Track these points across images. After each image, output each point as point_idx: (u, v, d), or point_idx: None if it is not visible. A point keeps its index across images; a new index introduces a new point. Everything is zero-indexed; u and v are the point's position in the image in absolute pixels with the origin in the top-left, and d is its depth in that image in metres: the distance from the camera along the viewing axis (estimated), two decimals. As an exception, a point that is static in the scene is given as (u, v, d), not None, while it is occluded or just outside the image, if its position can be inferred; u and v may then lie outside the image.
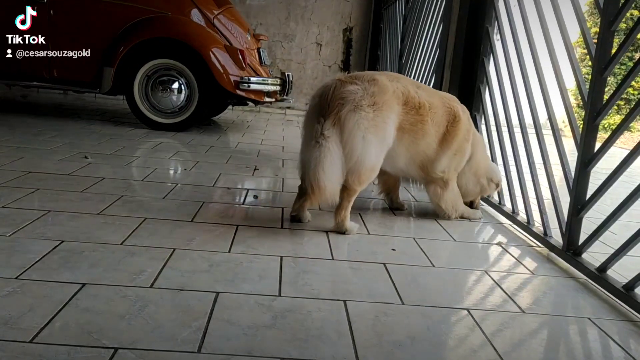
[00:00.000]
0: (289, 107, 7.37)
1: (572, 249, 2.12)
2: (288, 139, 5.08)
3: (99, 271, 1.64)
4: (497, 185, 2.80)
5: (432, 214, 2.70)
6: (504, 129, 2.93)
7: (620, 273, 1.93)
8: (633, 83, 11.05)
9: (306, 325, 1.42)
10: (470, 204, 2.81)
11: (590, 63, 2.06)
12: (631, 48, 10.46)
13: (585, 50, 2.12)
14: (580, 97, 2.11)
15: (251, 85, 4.72)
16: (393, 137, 2.29)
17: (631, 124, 8.06)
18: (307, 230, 2.27)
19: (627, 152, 1.83)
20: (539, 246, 2.36)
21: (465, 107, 2.62)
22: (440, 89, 3.67)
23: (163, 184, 2.86)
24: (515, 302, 1.71)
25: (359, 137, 2.13)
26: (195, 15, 4.81)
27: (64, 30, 4.69)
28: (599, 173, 2.18)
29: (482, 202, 3.06)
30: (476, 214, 2.73)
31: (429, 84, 4.10)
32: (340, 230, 2.25)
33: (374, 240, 2.24)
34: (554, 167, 2.38)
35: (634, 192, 1.76)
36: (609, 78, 2.05)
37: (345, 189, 2.23)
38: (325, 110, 2.19)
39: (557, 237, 2.27)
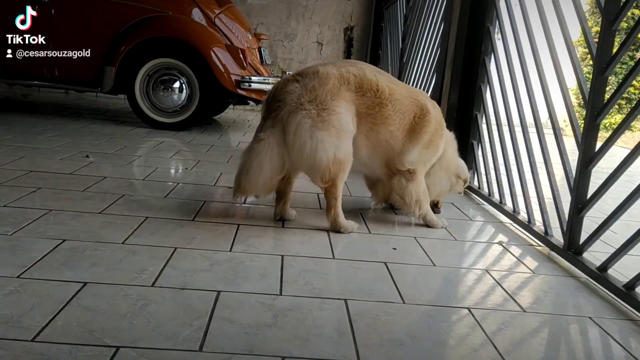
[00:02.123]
0: (289, 107, 7.36)
1: (573, 248, 2.12)
2: (289, 138, 5.07)
3: (101, 270, 1.64)
4: (465, 181, 2.70)
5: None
6: (505, 128, 2.93)
7: (621, 272, 1.93)
8: (634, 82, 11.03)
9: (307, 324, 1.42)
10: (435, 205, 2.69)
11: (591, 62, 2.06)
12: (632, 47, 10.44)
13: (586, 50, 2.13)
14: (581, 96, 2.11)
15: (252, 84, 4.72)
16: (352, 123, 2.20)
17: (632, 123, 8.05)
18: (308, 230, 2.27)
19: (628, 152, 1.83)
20: (540, 245, 2.36)
21: (436, 103, 2.52)
22: (442, 88, 3.67)
23: (164, 183, 2.86)
24: (516, 301, 1.71)
25: (305, 137, 2.08)
26: (196, 15, 4.81)
27: (65, 30, 4.69)
28: (599, 172, 2.18)
29: (482, 200, 3.07)
30: (439, 222, 2.49)
31: (430, 83, 4.10)
32: (336, 229, 2.24)
33: (374, 239, 2.24)
34: (555, 166, 2.38)
35: (635, 191, 1.76)
36: (610, 77, 2.05)
37: (325, 189, 2.21)
38: (266, 112, 2.22)
39: (558, 236, 2.27)
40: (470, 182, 2.78)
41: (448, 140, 2.57)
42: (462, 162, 2.74)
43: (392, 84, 2.35)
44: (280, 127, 2.13)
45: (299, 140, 2.09)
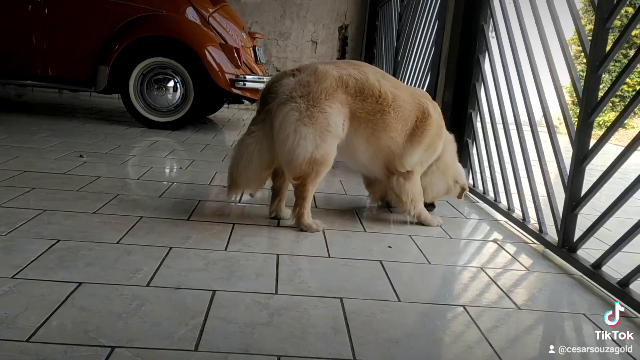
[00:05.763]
0: (284, 105, 7.34)
1: (567, 246, 2.13)
2: (284, 137, 5.07)
3: (95, 270, 1.63)
4: (462, 188, 2.66)
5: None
6: (500, 127, 2.93)
7: (615, 269, 1.94)
8: (627, 80, 11.08)
9: (303, 322, 1.42)
10: (432, 206, 2.69)
11: (584, 60, 2.06)
12: (625, 45, 10.49)
13: (580, 48, 2.13)
14: (575, 94, 2.12)
15: (247, 83, 4.71)
16: (342, 125, 2.18)
17: (626, 121, 8.08)
18: (303, 228, 2.27)
19: (621, 149, 1.84)
20: (535, 243, 2.37)
21: (436, 104, 2.50)
22: (436, 87, 3.68)
23: (159, 182, 2.85)
24: (510, 299, 1.72)
25: (289, 130, 2.07)
26: (191, 13, 4.79)
27: (59, 29, 4.67)
28: (593, 170, 2.19)
29: (477, 199, 3.08)
30: (434, 220, 2.49)
31: (424, 82, 4.10)
32: (299, 227, 2.22)
33: (370, 237, 2.24)
34: (549, 164, 2.39)
35: (629, 188, 1.77)
36: (603, 75, 2.06)
37: (294, 185, 2.20)
38: (261, 105, 2.23)
39: (552, 234, 2.28)
40: (467, 189, 2.73)
41: (447, 143, 2.55)
42: (461, 169, 2.71)
43: (396, 89, 2.31)
44: (270, 121, 2.13)
45: (283, 132, 2.08)
